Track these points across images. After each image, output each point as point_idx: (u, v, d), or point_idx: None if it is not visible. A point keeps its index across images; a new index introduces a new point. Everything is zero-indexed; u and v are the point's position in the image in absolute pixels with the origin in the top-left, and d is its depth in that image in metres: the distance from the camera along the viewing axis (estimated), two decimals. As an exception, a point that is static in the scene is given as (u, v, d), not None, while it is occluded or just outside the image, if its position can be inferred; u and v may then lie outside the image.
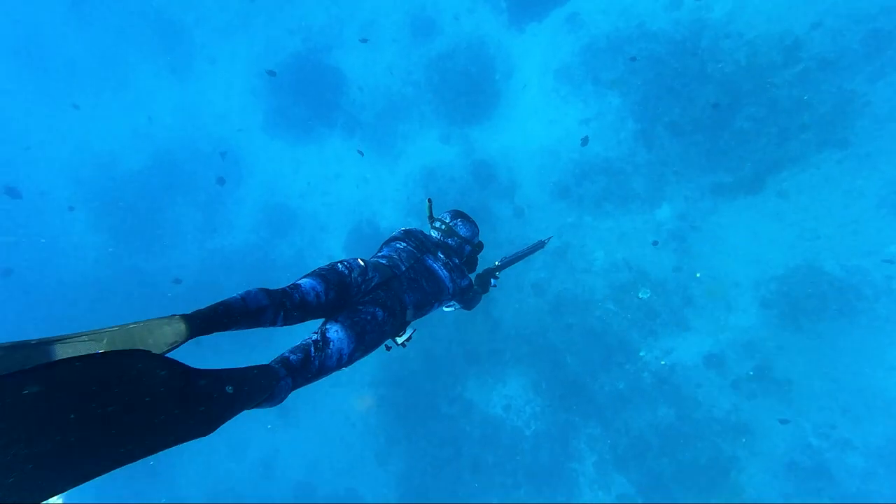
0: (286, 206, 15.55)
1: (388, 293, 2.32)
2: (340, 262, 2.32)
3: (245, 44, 15.86)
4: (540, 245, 4.01)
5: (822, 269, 9.19)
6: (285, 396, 1.81)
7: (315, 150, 15.47)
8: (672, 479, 9.91)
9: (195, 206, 16.00)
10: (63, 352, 1.34)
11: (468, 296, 3.04)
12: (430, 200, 3.11)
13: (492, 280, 3.54)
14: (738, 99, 9.71)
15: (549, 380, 11.50)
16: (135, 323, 1.45)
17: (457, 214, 3.12)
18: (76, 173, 16.39)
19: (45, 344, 1.32)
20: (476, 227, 3.16)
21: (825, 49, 9.03)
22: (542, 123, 12.77)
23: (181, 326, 1.51)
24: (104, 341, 1.39)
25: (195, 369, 1.29)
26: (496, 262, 3.69)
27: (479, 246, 3.21)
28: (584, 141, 11.36)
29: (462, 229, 3.07)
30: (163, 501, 14.40)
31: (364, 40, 13.77)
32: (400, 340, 2.54)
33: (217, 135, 16.11)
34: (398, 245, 2.75)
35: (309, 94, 14.88)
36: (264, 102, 15.54)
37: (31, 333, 1.39)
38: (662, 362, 10.43)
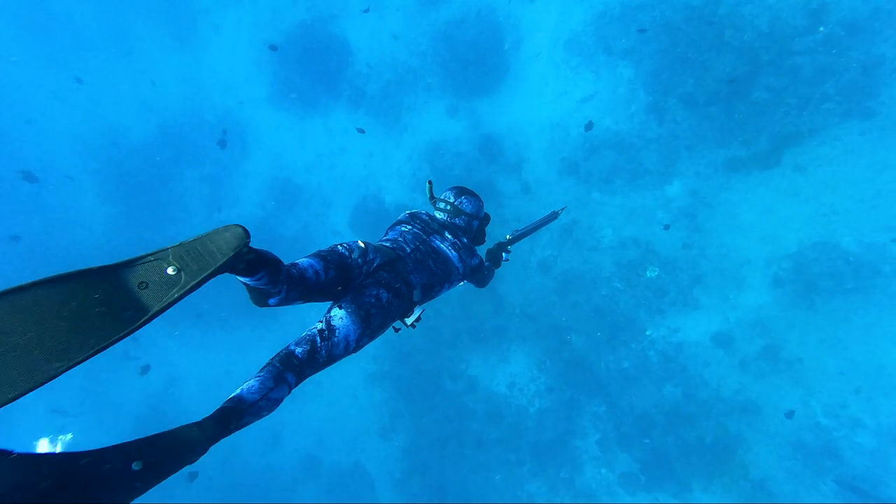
0: (292, 180, 15.42)
1: (391, 274, 2.31)
2: (340, 244, 2.28)
3: (250, 11, 15.53)
4: (553, 216, 3.91)
5: (838, 245, 8.86)
6: (280, 402, 1.79)
7: (320, 122, 15.24)
8: (676, 458, 9.83)
9: (201, 179, 15.95)
10: (133, 276, 1.31)
11: (480, 274, 3.03)
12: (430, 182, 3.05)
13: (503, 255, 3.51)
14: (757, 68, 9.26)
15: (553, 358, 11.40)
16: (193, 238, 1.42)
17: (460, 191, 3.06)
18: (84, 144, 16.34)
19: (113, 269, 1.29)
20: (480, 200, 3.13)
21: (854, 10, 8.51)
22: (552, 96, 12.40)
23: (239, 230, 1.46)
24: (169, 257, 1.36)
25: (86, 452, 1.10)
26: (507, 236, 3.64)
27: (486, 219, 3.18)
28: (589, 126, 11.03)
29: (468, 206, 3.03)
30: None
31: (366, 10, 13.35)
32: (409, 321, 2.48)
33: (223, 106, 15.95)
34: (403, 228, 2.74)
35: (314, 64, 14.58)
36: (269, 73, 15.28)
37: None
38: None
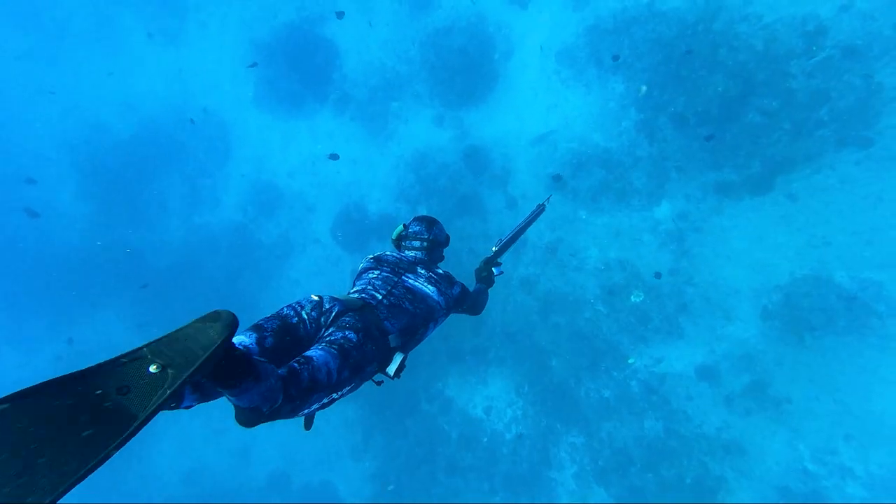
0: (273, 184, 14.97)
1: (357, 318, 2.12)
2: (288, 304, 2.10)
3: (238, 10, 15.12)
4: (540, 210, 3.62)
5: (830, 279, 8.34)
6: (274, 398, 1.55)
7: (305, 125, 14.81)
8: (654, 497, 9.28)
9: (182, 180, 15.54)
10: (110, 381, 1.10)
11: (468, 303, 2.84)
12: (405, 226, 2.94)
13: (494, 269, 3.24)
14: (751, 89, 8.79)
15: (532, 383, 10.90)
16: (172, 331, 1.23)
17: (430, 223, 2.92)
18: (63, 142, 15.93)
19: (84, 376, 1.10)
20: (440, 222, 3.02)
21: (853, 35, 8.05)
22: (541, 109, 11.95)
23: (224, 313, 1.26)
24: (147, 354, 1.17)
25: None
26: (493, 248, 3.32)
27: (448, 240, 3.04)
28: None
29: (441, 235, 2.91)
30: (137, 481, 14.22)
31: (340, 15, 12.90)
32: (391, 372, 2.23)
33: (205, 105, 15.52)
34: (370, 275, 2.58)
35: (300, 66, 14.16)
36: (254, 74, 14.85)
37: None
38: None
